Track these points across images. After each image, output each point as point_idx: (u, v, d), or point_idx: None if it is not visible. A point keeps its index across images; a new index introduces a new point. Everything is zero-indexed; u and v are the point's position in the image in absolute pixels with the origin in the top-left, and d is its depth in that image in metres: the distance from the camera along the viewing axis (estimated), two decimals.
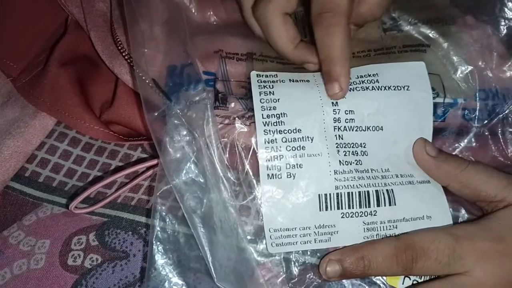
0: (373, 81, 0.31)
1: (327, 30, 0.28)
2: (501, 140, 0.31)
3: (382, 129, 0.30)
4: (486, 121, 0.32)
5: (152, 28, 0.32)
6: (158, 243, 0.28)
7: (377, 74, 0.31)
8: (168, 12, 0.33)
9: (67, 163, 0.34)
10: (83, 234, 0.31)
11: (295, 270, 0.30)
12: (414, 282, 0.29)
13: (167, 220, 0.29)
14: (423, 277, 0.29)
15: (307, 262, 0.30)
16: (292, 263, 0.30)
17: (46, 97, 0.34)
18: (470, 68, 0.32)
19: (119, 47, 0.33)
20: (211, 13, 0.36)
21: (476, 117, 0.32)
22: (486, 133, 0.32)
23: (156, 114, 0.29)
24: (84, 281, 0.29)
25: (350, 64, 0.29)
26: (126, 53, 0.33)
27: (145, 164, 0.32)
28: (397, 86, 0.30)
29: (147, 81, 0.30)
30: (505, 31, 0.33)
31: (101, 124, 0.34)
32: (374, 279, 0.29)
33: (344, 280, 0.29)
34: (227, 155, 0.30)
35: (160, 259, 0.28)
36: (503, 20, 0.33)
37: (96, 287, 0.29)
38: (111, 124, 0.35)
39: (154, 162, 0.32)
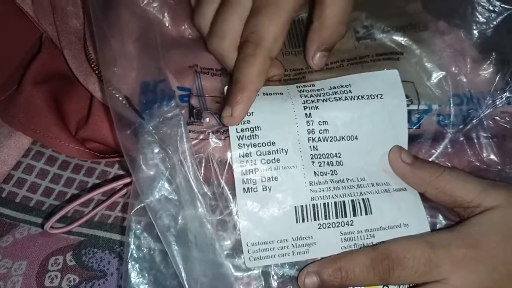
0: (345, 91, 0.30)
1: (245, 58, 0.29)
2: (476, 145, 0.31)
3: (357, 139, 0.30)
4: (461, 126, 0.32)
5: (123, 45, 0.31)
6: (133, 262, 0.28)
7: (349, 84, 0.31)
8: (140, 28, 0.33)
9: (44, 182, 0.34)
10: (60, 254, 0.31)
11: (274, 284, 0.29)
12: None
13: (142, 238, 0.28)
14: (401, 286, 0.29)
15: (285, 275, 0.29)
16: (271, 276, 0.29)
17: (21, 116, 0.34)
18: (443, 73, 0.32)
19: (92, 65, 0.33)
20: (186, 26, 0.36)
21: (451, 123, 0.32)
22: (462, 138, 0.32)
23: (128, 131, 0.29)
24: None
25: (254, 96, 0.29)
26: (99, 70, 0.32)
27: (122, 181, 0.32)
28: (371, 95, 0.30)
29: (120, 98, 0.30)
30: (477, 35, 0.32)
31: (77, 142, 0.34)
32: None
33: None
34: (203, 171, 0.30)
35: (135, 278, 0.28)
36: (475, 24, 0.32)
37: None
38: (87, 141, 0.35)
39: (130, 179, 0.32)
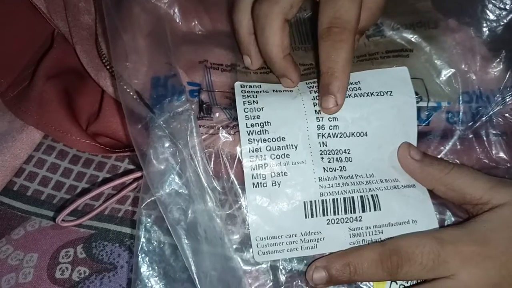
0: (355, 88, 0.31)
1: (334, 44, 0.28)
2: (486, 142, 0.31)
3: (366, 135, 0.30)
4: (470, 124, 0.32)
5: (134, 41, 0.32)
6: (144, 254, 0.28)
7: (359, 81, 0.31)
8: (151, 24, 0.33)
9: (55, 176, 0.34)
10: (71, 247, 0.31)
11: (282, 278, 0.30)
12: (401, 287, 0.29)
13: (152, 231, 0.29)
14: (410, 281, 0.29)
15: (293, 269, 0.30)
16: (279, 270, 0.30)
17: (33, 111, 0.34)
18: (453, 71, 0.32)
19: (104, 60, 0.33)
20: (196, 23, 0.36)
21: (460, 120, 0.32)
22: (471, 136, 0.32)
23: (139, 126, 0.29)
24: None
25: (349, 81, 0.29)
26: (111, 65, 0.33)
27: (132, 175, 0.32)
28: (380, 92, 0.31)
29: (131, 93, 0.30)
30: (487, 33, 0.33)
31: (88, 137, 0.34)
32: (360, 285, 0.29)
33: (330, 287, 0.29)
34: (212, 165, 0.30)
35: (145, 271, 0.28)
36: (485, 22, 0.33)
37: None
38: (98, 136, 0.35)
39: (141, 173, 0.32)
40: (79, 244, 0.31)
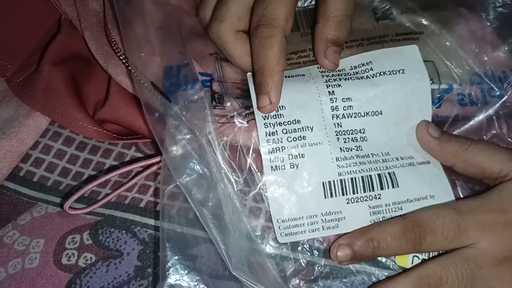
0: (367, 69, 0.31)
1: (262, 41, 0.28)
2: (498, 124, 0.31)
3: (381, 114, 0.30)
4: (482, 105, 0.31)
5: (147, 32, 0.32)
6: (169, 244, 0.28)
7: (370, 62, 0.31)
8: (162, 16, 0.33)
9: (61, 162, 0.34)
10: (77, 233, 0.30)
11: (304, 262, 0.29)
12: (423, 259, 0.29)
13: (175, 221, 0.28)
14: (431, 254, 0.29)
15: (315, 254, 0.29)
16: (301, 254, 0.29)
17: (40, 96, 0.34)
18: (463, 52, 0.32)
19: (114, 48, 0.33)
20: None
21: (472, 102, 0.32)
22: (482, 117, 0.31)
23: (156, 115, 0.29)
24: (78, 280, 0.29)
25: (283, 77, 0.29)
26: (121, 53, 0.32)
27: (140, 163, 0.32)
28: (392, 71, 0.31)
29: (145, 84, 0.30)
30: (497, 13, 0.32)
31: (95, 123, 0.34)
32: (383, 261, 0.29)
33: (351, 265, 0.29)
34: (228, 152, 0.30)
35: (171, 261, 0.27)
36: (494, 2, 0.32)
37: (90, 286, 0.29)
38: (104, 122, 0.35)
39: (150, 161, 0.32)
40: (86, 230, 0.31)
